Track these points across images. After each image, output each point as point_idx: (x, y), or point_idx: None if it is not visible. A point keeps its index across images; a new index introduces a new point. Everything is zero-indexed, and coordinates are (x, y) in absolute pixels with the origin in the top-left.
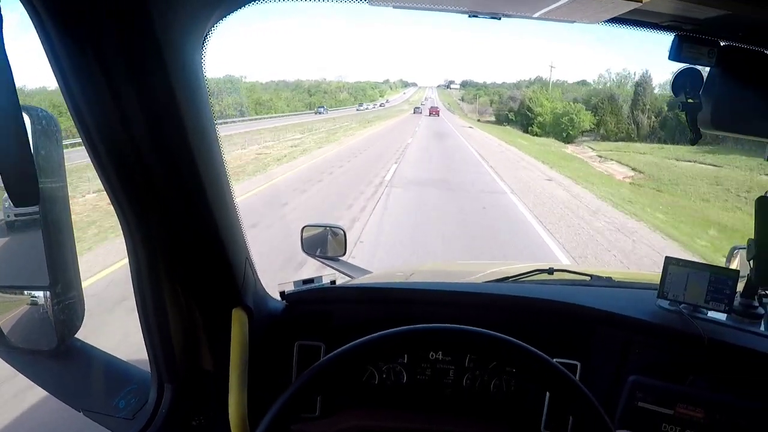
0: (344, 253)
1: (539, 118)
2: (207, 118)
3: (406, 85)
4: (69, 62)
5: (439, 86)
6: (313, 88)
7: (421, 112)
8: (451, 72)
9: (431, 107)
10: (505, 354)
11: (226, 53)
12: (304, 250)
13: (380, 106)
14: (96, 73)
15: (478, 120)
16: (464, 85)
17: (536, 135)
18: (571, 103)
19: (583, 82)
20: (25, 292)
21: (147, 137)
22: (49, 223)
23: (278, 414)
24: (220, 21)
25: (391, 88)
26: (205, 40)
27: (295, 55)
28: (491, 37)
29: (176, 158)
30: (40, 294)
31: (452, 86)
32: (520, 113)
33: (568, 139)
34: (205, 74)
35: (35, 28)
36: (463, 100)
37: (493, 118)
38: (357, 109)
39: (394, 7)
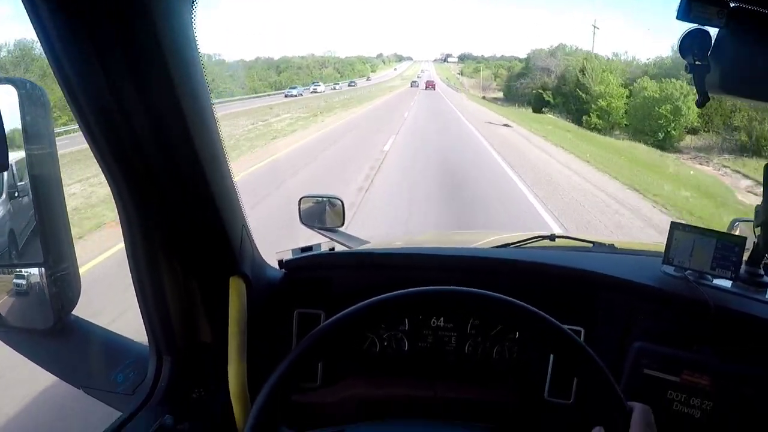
0: (342, 224)
1: (600, 102)
2: (200, 83)
3: (400, 59)
4: (55, 30)
5: (435, 60)
6: (284, 63)
7: (418, 86)
8: (447, 45)
9: (427, 80)
10: (510, 315)
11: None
12: (302, 222)
13: (349, 85)
14: (84, 41)
15: (483, 97)
16: (462, 58)
17: (595, 129)
18: (674, 81)
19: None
20: (20, 270)
21: (137, 105)
22: (39, 197)
23: (277, 382)
24: None
25: (384, 63)
26: (194, 2)
27: (280, 30)
28: (491, 6)
29: (168, 126)
30: (35, 272)
31: (449, 60)
32: (562, 93)
33: (663, 144)
34: (197, 39)
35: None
36: (462, 74)
37: (500, 95)
38: (286, 95)
39: None
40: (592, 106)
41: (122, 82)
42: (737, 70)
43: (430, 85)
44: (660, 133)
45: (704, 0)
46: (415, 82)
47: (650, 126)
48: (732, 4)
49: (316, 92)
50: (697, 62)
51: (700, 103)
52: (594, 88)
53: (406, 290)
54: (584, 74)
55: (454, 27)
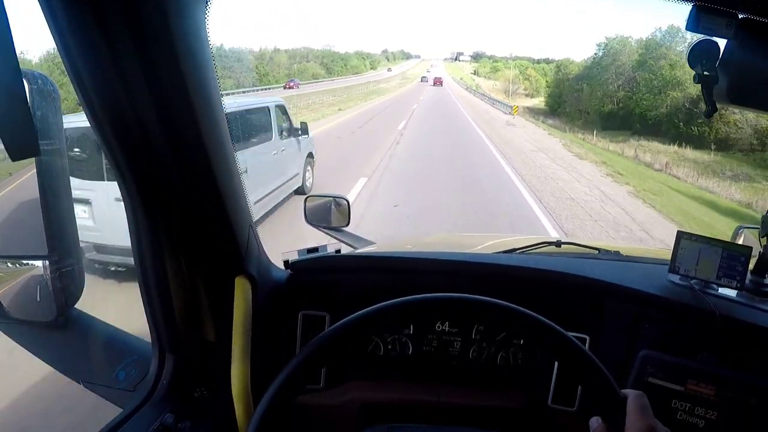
0: (348, 223)
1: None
2: (211, 83)
3: (408, 57)
4: (68, 26)
5: (446, 59)
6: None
7: (427, 81)
8: (459, 43)
9: (435, 77)
10: (514, 323)
11: None
12: (307, 221)
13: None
14: (96, 38)
15: (514, 110)
16: (476, 57)
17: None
18: None
19: None
20: (24, 262)
21: (147, 101)
22: (46, 189)
23: (282, 386)
24: None
25: (388, 59)
26: (207, 3)
27: (277, 21)
28: (509, 2)
29: (178, 123)
30: (39, 264)
31: (461, 58)
32: (662, 110)
33: None
34: (209, 38)
35: None
36: (476, 74)
37: (535, 103)
38: None
39: None
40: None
41: (133, 81)
42: (745, 81)
43: (438, 82)
44: None
45: (713, 12)
46: (424, 77)
47: None
48: (741, 16)
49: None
50: (705, 73)
51: (709, 114)
52: None
53: (412, 297)
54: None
55: (467, 24)
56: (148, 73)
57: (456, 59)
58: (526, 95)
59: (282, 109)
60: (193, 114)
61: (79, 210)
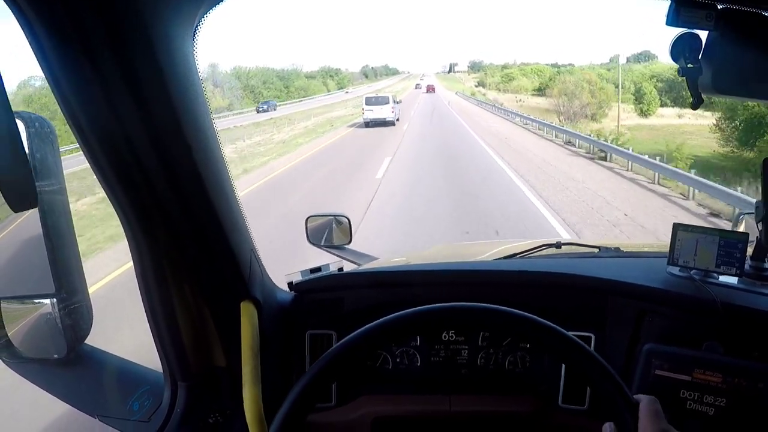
0: (350, 241)
1: None
2: (202, 111)
3: (394, 73)
4: (59, 62)
5: (438, 73)
6: None
7: (420, 88)
8: (452, 54)
9: (427, 85)
10: (518, 329)
11: None
12: (309, 241)
13: None
14: (87, 72)
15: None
16: (474, 67)
17: None
18: None
19: None
20: (32, 301)
21: (142, 135)
22: (49, 228)
23: (293, 405)
24: (211, 10)
25: (367, 76)
26: (195, 31)
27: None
28: (504, 5)
29: (173, 154)
30: (47, 302)
31: (457, 69)
32: None
33: None
34: (198, 67)
35: (22, 27)
36: (484, 85)
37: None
38: None
39: None
40: None
41: (126, 114)
42: (729, 70)
43: (430, 89)
44: None
45: (693, 4)
46: (418, 84)
47: None
48: (720, 6)
49: None
50: (689, 65)
51: (695, 105)
52: None
53: (412, 309)
54: None
55: (460, 32)
56: (141, 109)
57: (450, 71)
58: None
59: (394, 99)
60: (188, 146)
61: None
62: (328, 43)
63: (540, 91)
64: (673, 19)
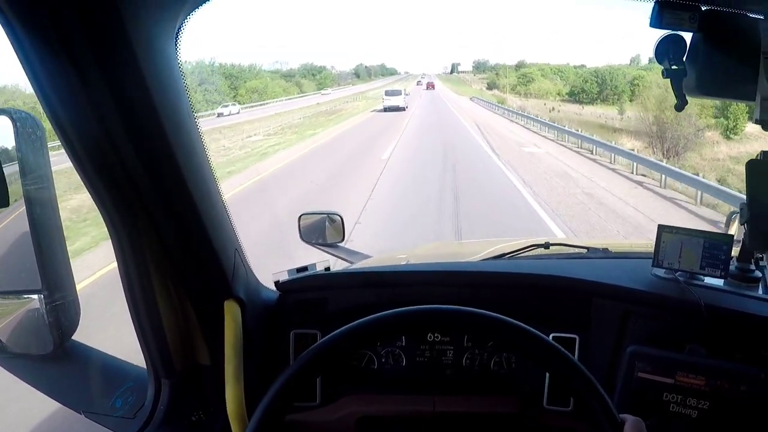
0: (343, 239)
1: None
2: (185, 111)
3: (391, 73)
4: (40, 64)
5: (440, 74)
6: None
7: (422, 85)
8: (453, 54)
9: (428, 82)
10: (498, 333)
11: None
12: (302, 239)
13: None
14: (69, 74)
15: None
16: (479, 67)
17: None
18: None
19: None
20: (20, 296)
21: (125, 135)
22: (37, 225)
23: (274, 400)
24: (193, 12)
25: (358, 76)
26: (178, 33)
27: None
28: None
29: (156, 153)
30: (35, 297)
31: (460, 70)
32: None
33: None
34: (180, 68)
35: (3, 27)
36: (497, 86)
37: None
38: None
39: None
40: None
41: (110, 116)
42: (713, 72)
43: (430, 86)
44: None
45: (676, 6)
46: (419, 82)
47: None
48: (704, 8)
49: None
50: (673, 67)
51: (680, 107)
52: None
53: (394, 310)
54: None
55: (463, 30)
56: (124, 110)
57: (453, 71)
58: None
59: (405, 91)
60: (171, 146)
61: None
62: (319, 39)
63: (574, 96)
64: (656, 21)
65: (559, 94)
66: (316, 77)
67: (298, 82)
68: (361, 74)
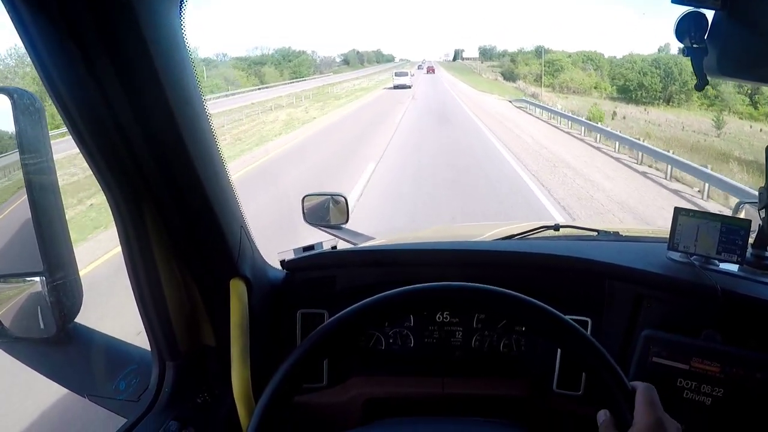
0: (347, 221)
1: None
2: (191, 86)
3: (388, 60)
4: (42, 41)
5: (441, 61)
6: None
7: (422, 69)
8: (456, 39)
9: (428, 66)
10: (513, 310)
11: None
12: (306, 220)
13: None
14: (72, 51)
15: None
16: (486, 54)
17: None
18: None
19: None
20: (21, 279)
21: (129, 110)
22: (36, 205)
23: (282, 382)
24: None
25: (348, 63)
26: (182, 5)
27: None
28: None
29: (162, 129)
30: (37, 280)
31: (464, 57)
32: None
33: None
34: (186, 41)
35: (3, 5)
36: (510, 77)
37: None
38: None
39: None
40: None
41: (112, 89)
42: (734, 52)
43: (430, 70)
44: None
45: None
46: (420, 65)
47: None
48: None
49: None
50: (694, 45)
51: (700, 87)
52: None
53: (404, 288)
54: None
55: (465, 13)
56: (127, 84)
57: (456, 58)
58: None
59: (411, 73)
60: (176, 121)
61: None
62: (307, 24)
63: (627, 94)
64: None
65: (602, 88)
66: (291, 63)
67: (258, 72)
68: (352, 61)
